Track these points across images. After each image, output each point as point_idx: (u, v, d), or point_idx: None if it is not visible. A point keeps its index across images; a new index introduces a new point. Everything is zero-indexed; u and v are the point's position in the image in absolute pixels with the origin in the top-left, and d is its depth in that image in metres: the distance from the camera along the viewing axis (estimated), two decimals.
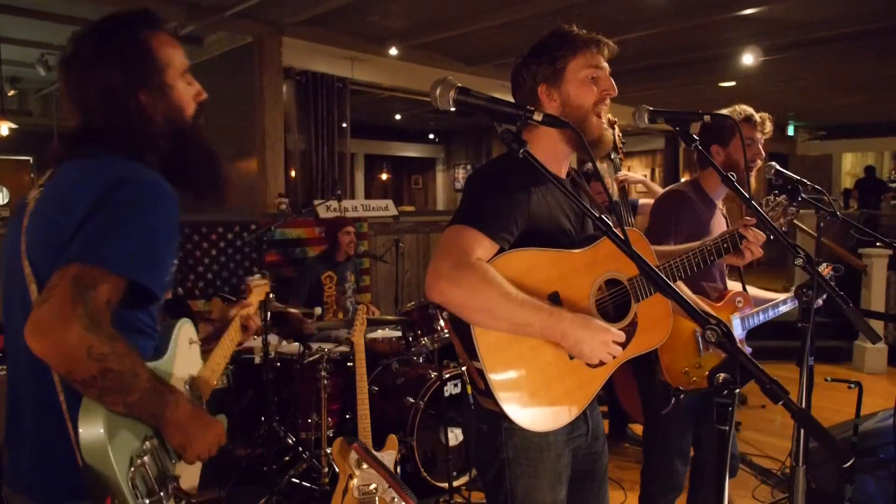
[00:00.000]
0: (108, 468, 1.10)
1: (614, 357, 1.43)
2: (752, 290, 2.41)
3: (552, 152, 1.55)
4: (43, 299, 1.06)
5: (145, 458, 1.17)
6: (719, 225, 2.35)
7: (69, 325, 1.04)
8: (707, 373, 2.22)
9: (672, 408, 2.19)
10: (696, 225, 2.25)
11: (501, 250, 1.40)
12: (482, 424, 1.52)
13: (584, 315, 1.40)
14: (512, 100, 1.51)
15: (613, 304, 1.54)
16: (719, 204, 2.39)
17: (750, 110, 2.30)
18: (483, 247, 1.37)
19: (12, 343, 1.24)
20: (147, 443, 1.18)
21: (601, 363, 1.49)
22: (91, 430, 1.09)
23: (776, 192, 1.86)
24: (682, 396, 2.27)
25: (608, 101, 1.55)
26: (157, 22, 1.28)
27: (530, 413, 1.41)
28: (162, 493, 1.19)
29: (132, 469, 1.14)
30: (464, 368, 1.62)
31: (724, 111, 2.28)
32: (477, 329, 1.38)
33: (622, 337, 1.42)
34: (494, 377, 1.38)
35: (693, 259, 1.68)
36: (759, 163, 2.29)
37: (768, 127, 2.30)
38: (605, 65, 1.55)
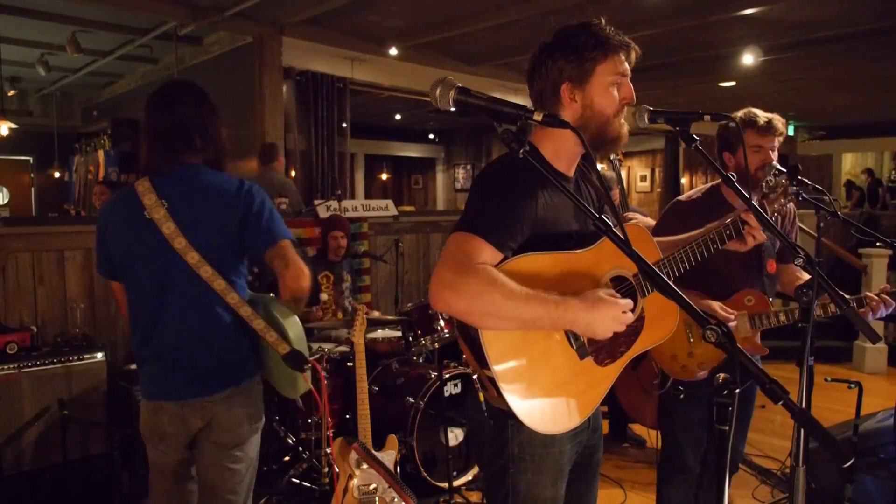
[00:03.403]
0: (304, 345, 1.94)
1: (621, 344, 1.43)
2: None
3: (564, 151, 1.52)
4: (284, 264, 1.93)
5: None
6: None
7: (305, 268, 1.96)
8: (700, 363, 2.25)
9: (677, 397, 2.23)
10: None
11: (505, 257, 1.39)
12: (488, 419, 1.52)
13: (591, 294, 1.38)
14: (512, 98, 1.50)
15: None
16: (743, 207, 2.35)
17: (755, 114, 2.27)
18: (487, 255, 1.36)
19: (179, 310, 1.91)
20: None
21: (610, 358, 1.49)
22: (295, 329, 1.93)
23: (776, 171, 1.85)
24: (682, 396, 2.29)
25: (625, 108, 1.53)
26: None
27: (544, 417, 1.40)
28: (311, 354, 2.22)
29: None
30: (475, 377, 1.64)
31: (738, 114, 2.26)
32: (486, 337, 1.36)
33: (630, 304, 1.41)
34: (506, 385, 1.37)
35: (696, 248, 1.66)
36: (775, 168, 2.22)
37: (777, 129, 2.26)
38: (629, 70, 1.52)
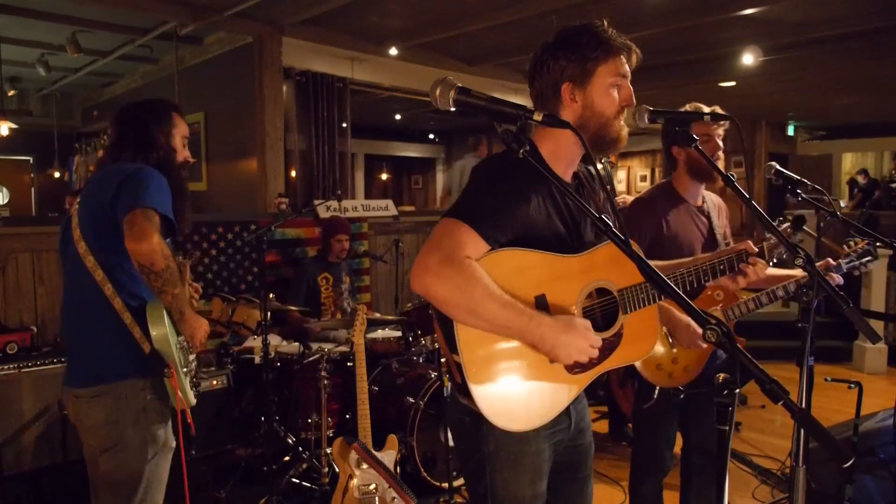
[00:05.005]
0: (169, 349, 1.90)
1: (590, 360, 1.44)
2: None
3: (563, 152, 1.53)
4: (130, 226, 1.79)
5: (182, 347, 2.00)
6: (694, 222, 2.38)
7: (153, 234, 1.79)
8: (685, 367, 2.28)
9: (655, 401, 2.26)
10: (659, 229, 2.30)
11: (491, 249, 1.40)
12: (464, 417, 1.52)
13: (566, 318, 1.39)
14: (512, 98, 1.50)
15: (602, 312, 1.54)
16: (698, 201, 2.42)
17: (699, 106, 2.30)
18: (474, 245, 1.37)
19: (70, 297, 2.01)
20: (179, 338, 1.99)
21: (580, 369, 1.49)
22: (159, 329, 1.89)
23: (780, 218, 1.86)
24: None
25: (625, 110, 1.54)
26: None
27: (504, 412, 1.41)
28: (188, 368, 2.04)
29: (177, 350, 1.95)
30: (443, 360, 1.66)
31: (685, 108, 2.30)
32: (460, 322, 1.38)
33: (599, 343, 1.42)
34: (471, 373, 1.38)
35: (688, 276, 1.67)
36: (720, 156, 2.31)
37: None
38: (629, 72, 1.53)
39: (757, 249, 1.71)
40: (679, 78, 7.81)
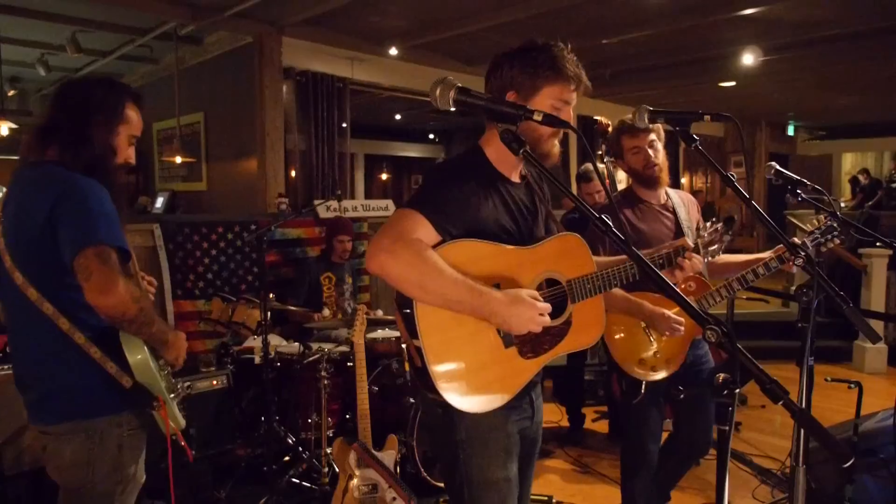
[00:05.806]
0: (153, 379, 1.68)
1: (542, 343, 1.52)
2: (729, 257, 2.40)
3: (507, 157, 1.56)
4: (86, 275, 1.54)
5: (166, 370, 1.79)
6: (660, 220, 2.44)
7: (117, 282, 1.55)
8: (666, 359, 2.31)
9: (642, 397, 2.31)
10: (626, 231, 2.34)
11: (443, 240, 1.46)
12: (437, 408, 1.56)
13: (514, 291, 1.46)
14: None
15: (552, 302, 1.58)
16: (661, 200, 2.47)
17: (624, 120, 2.37)
18: (425, 231, 1.44)
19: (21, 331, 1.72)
20: (160, 362, 1.76)
21: (532, 353, 1.56)
22: (137, 357, 1.66)
23: (714, 219, 1.91)
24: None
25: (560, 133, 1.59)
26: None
27: (460, 392, 1.47)
28: (175, 393, 1.81)
29: (161, 376, 1.72)
30: (404, 346, 1.70)
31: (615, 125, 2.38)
32: (420, 310, 1.45)
33: (548, 308, 1.48)
34: (431, 355, 1.45)
35: (630, 270, 1.68)
36: (655, 162, 2.37)
37: (643, 127, 2.29)
38: (574, 101, 1.59)
39: (693, 245, 1.78)
40: (679, 78, 7.83)
